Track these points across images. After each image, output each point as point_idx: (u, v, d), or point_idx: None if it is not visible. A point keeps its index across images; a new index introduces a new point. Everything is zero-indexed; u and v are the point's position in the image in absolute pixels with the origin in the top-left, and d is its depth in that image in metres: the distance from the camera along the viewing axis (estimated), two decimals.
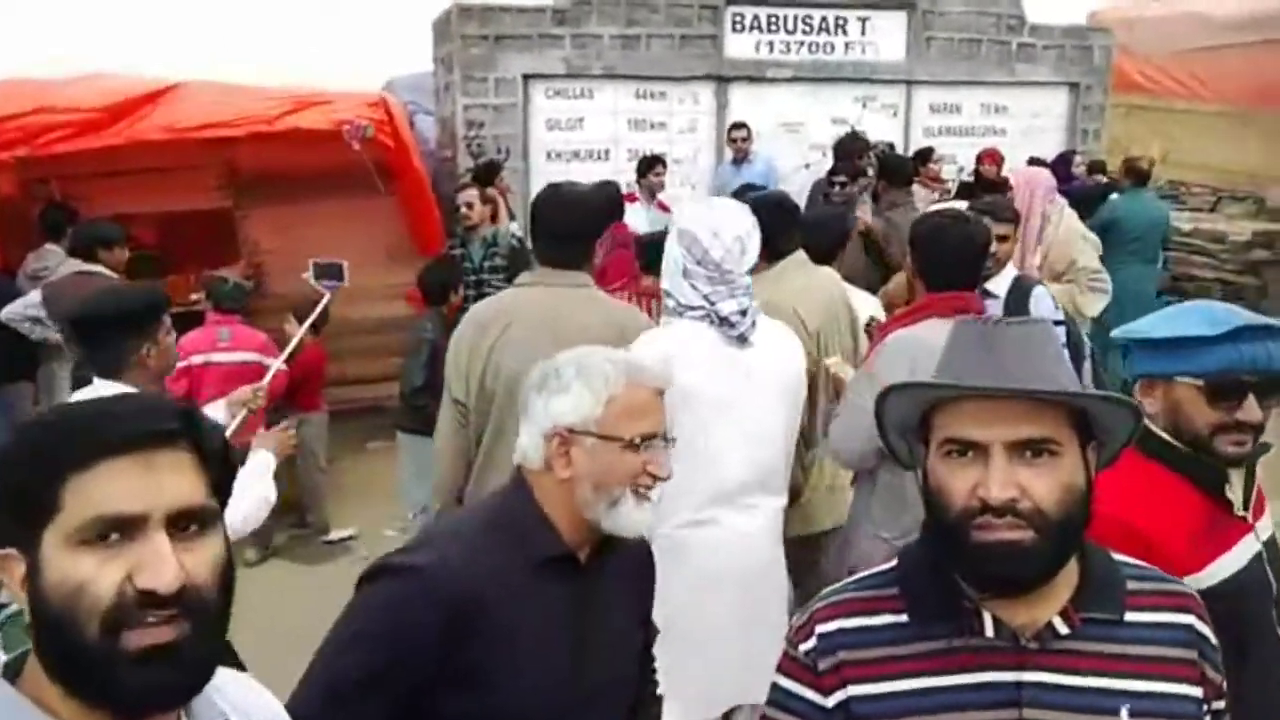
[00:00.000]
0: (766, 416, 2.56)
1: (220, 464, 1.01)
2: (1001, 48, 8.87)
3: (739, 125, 7.79)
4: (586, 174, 7.15)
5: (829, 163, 7.46)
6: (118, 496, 0.91)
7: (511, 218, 6.74)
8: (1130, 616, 1.23)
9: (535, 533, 1.58)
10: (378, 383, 6.88)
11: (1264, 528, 1.80)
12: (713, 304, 2.48)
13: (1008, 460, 1.15)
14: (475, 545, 1.56)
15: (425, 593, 1.48)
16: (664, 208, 7.17)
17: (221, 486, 1.01)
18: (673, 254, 2.55)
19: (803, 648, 1.30)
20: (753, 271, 2.61)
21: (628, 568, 1.72)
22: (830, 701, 1.27)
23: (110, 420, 0.94)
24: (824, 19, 8.33)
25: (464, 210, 5.69)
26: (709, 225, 2.51)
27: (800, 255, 3.44)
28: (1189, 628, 1.24)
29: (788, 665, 1.33)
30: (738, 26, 8.15)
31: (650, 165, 7.21)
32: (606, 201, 2.91)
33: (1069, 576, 1.23)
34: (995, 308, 3.61)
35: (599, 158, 7.83)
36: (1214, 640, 1.26)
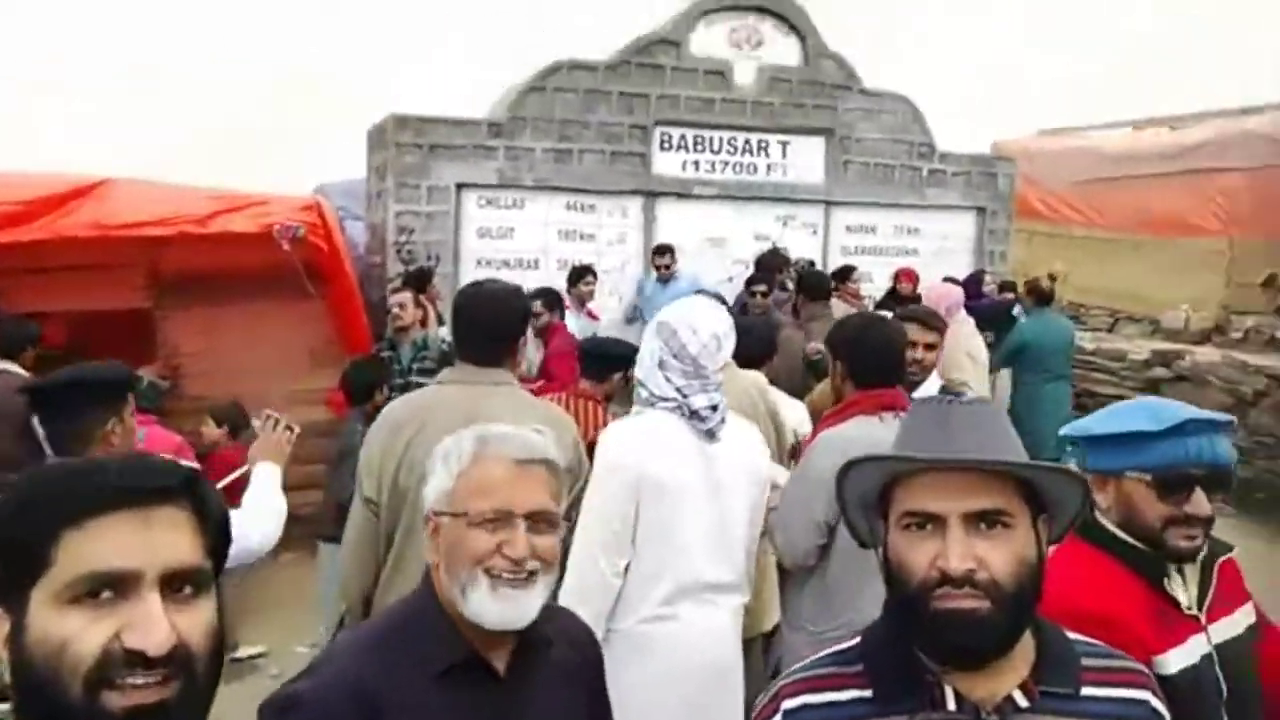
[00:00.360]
0: (733, 510, 2.59)
1: (219, 529, 0.99)
2: (913, 173, 9.37)
3: (662, 250, 7.95)
4: (517, 281, 7.23)
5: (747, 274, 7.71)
6: (112, 552, 0.89)
7: (441, 323, 6.76)
8: (1087, 691, 1.26)
9: (436, 637, 1.43)
10: (293, 490, 6.69)
11: (1226, 627, 1.80)
12: (685, 397, 2.53)
13: (964, 532, 1.19)
14: (370, 659, 1.43)
15: (336, 702, 1.37)
16: (593, 316, 7.29)
17: (219, 552, 0.98)
18: (650, 346, 2.60)
19: None
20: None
21: (561, 676, 1.54)
22: None
23: (108, 474, 0.92)
24: (747, 141, 8.73)
25: (396, 311, 5.69)
26: (688, 321, 2.58)
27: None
28: (1145, 703, 1.29)
29: None
30: (665, 145, 8.47)
31: (580, 275, 7.35)
32: (526, 303, 2.93)
33: (1026, 651, 1.26)
34: None
35: (529, 266, 7.94)
36: (1168, 715, 1.30)
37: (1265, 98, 11.93)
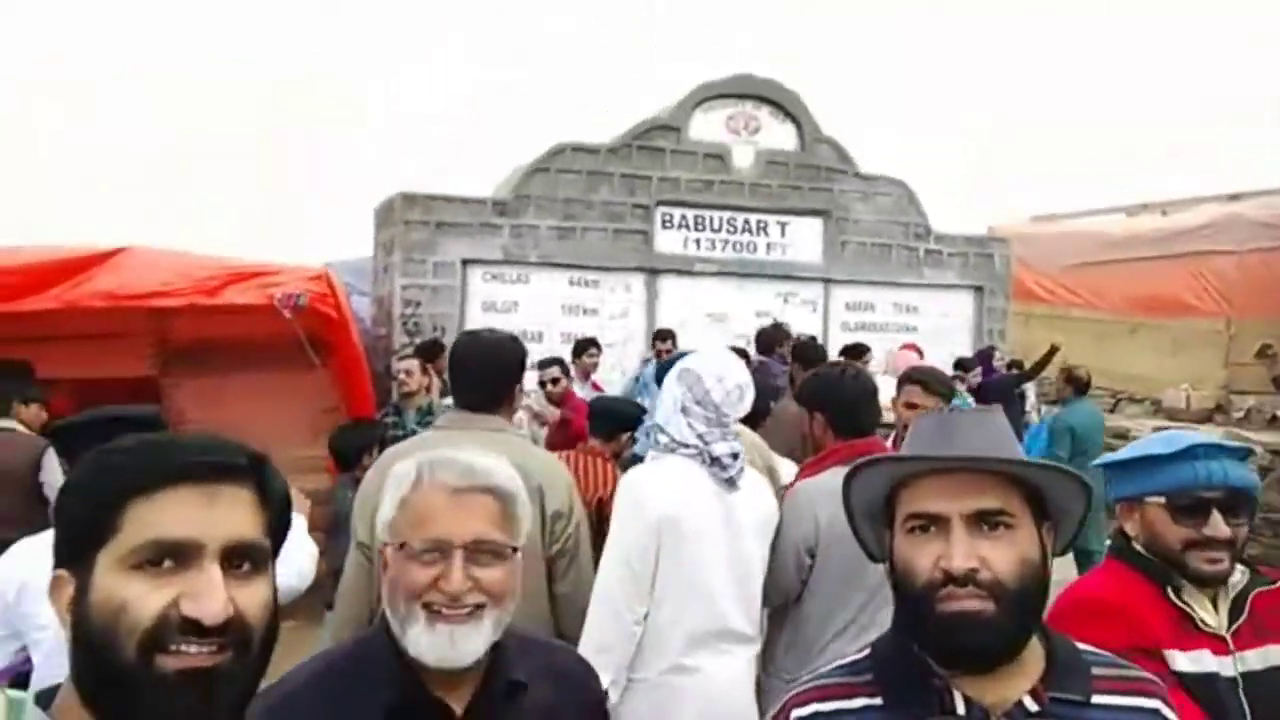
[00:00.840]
0: (751, 559, 2.60)
1: (280, 511, 1.02)
2: (910, 253, 9.55)
3: (663, 335, 7.96)
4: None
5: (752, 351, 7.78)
6: (177, 523, 0.92)
7: (445, 394, 6.81)
8: (1097, 699, 1.26)
9: (385, 674, 1.34)
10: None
11: (1258, 658, 1.81)
12: (707, 444, 2.55)
13: (967, 532, 1.21)
14: (317, 693, 1.36)
15: None
16: (598, 388, 7.34)
17: (278, 534, 1.02)
18: (672, 392, 2.62)
19: None
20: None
21: (539, 717, 1.41)
22: None
23: (178, 450, 0.96)
24: (746, 221, 8.93)
25: (403, 377, 5.75)
26: (714, 370, 2.61)
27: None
28: (1155, 712, 1.28)
29: None
30: (667, 224, 8.67)
31: (584, 347, 7.43)
32: (522, 350, 2.96)
33: (1035, 657, 1.27)
34: None
35: (533, 339, 8.03)
36: None
37: (1252, 185, 12.22)
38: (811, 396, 3.01)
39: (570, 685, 1.51)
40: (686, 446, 2.56)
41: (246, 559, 0.96)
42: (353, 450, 4.72)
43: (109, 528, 0.92)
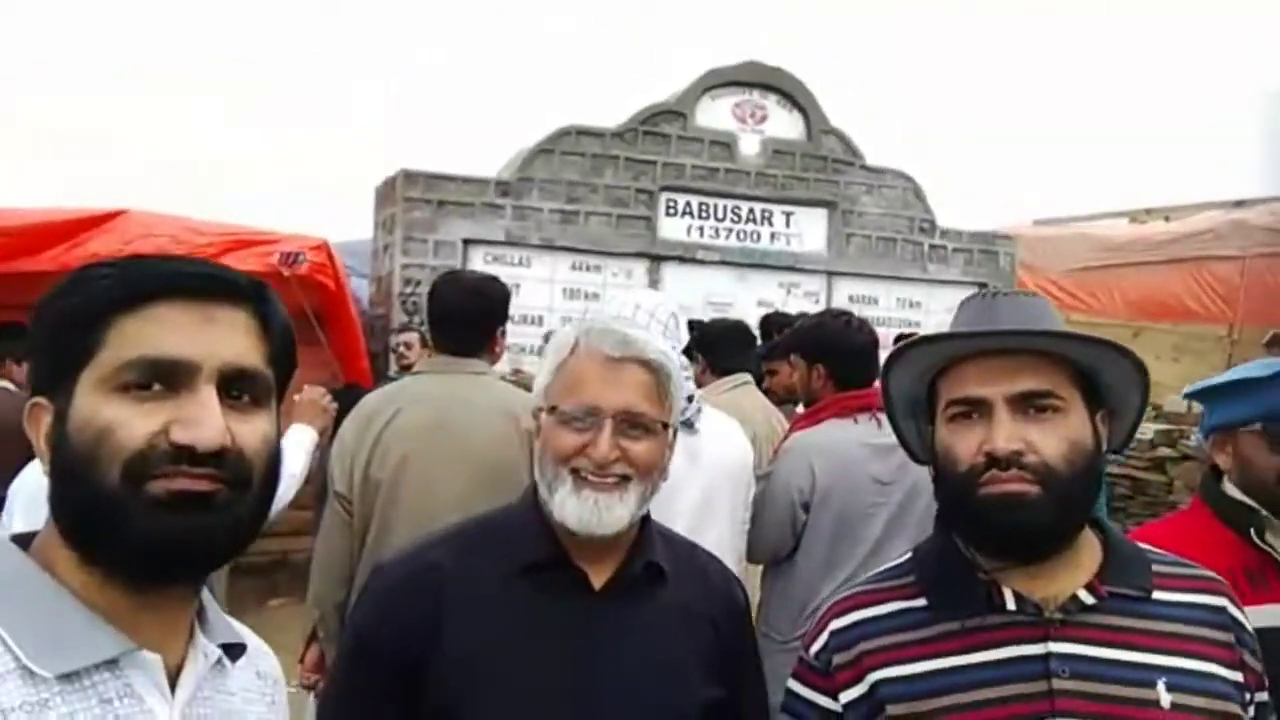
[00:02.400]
0: (712, 503, 2.52)
1: (283, 343, 0.91)
2: (915, 248, 9.48)
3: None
4: (520, 336, 7.26)
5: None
6: (167, 338, 0.82)
7: None
8: (1159, 595, 1.19)
9: (525, 534, 1.37)
10: (284, 536, 6.57)
11: None
12: None
13: (1011, 415, 1.14)
14: (452, 549, 1.39)
15: (404, 579, 1.37)
16: None
17: (282, 373, 0.91)
18: None
19: (813, 649, 1.28)
20: (700, 384, 2.64)
21: (680, 609, 1.39)
22: (843, 699, 1.22)
23: (170, 262, 0.87)
24: (751, 210, 8.84)
25: (402, 350, 5.69)
26: (653, 301, 2.57)
27: (746, 376, 3.56)
28: (1222, 610, 1.21)
29: (798, 669, 1.30)
30: (670, 210, 8.58)
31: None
32: (504, 291, 2.86)
33: (1091, 551, 1.21)
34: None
35: (533, 323, 7.94)
36: (1250, 627, 1.22)
37: (1254, 193, 12.21)
38: (814, 346, 2.93)
39: (710, 585, 1.48)
40: None
41: (246, 390, 0.86)
42: (345, 414, 4.62)
43: (91, 346, 0.82)
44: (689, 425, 2.48)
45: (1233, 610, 1.21)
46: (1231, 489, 1.80)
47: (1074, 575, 1.18)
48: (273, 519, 2.58)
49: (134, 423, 0.80)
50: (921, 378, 1.27)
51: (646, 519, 1.41)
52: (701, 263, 8.64)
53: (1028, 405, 1.15)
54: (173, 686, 0.86)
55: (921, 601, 1.22)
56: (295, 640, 4.80)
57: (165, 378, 0.82)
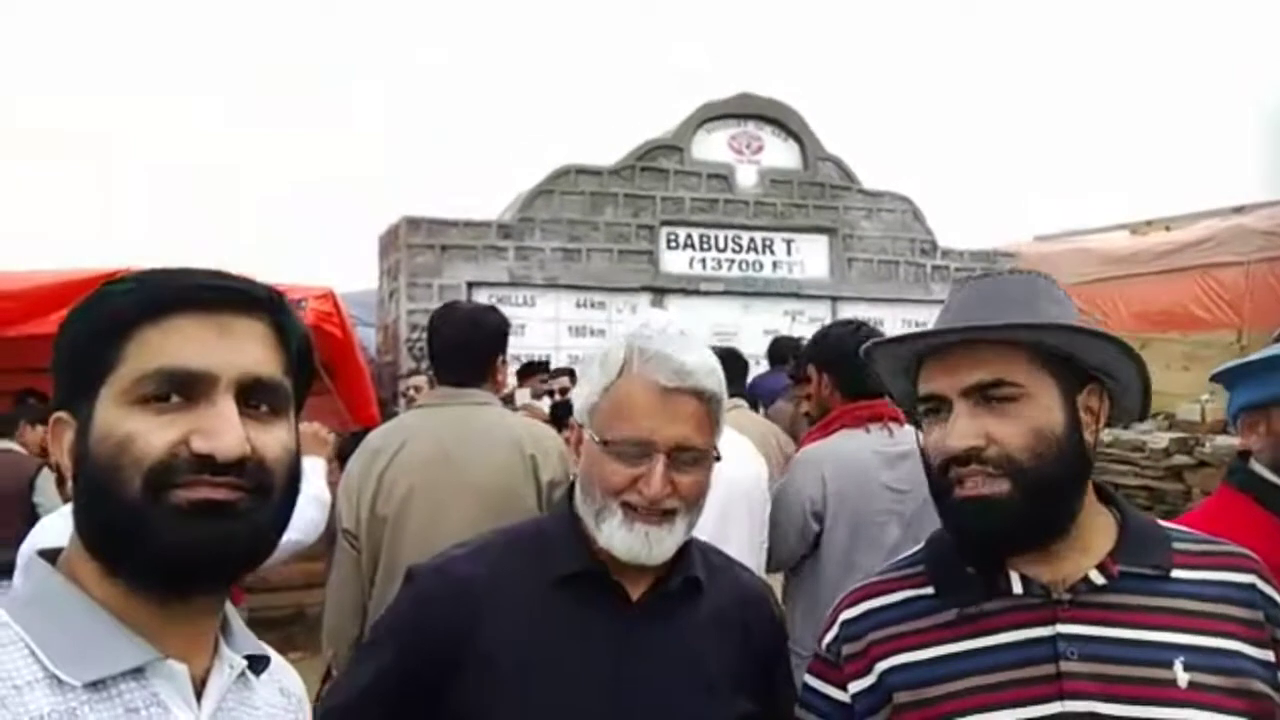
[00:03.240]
0: (727, 519, 2.50)
1: (301, 353, 0.92)
2: (917, 269, 9.51)
3: None
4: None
5: (761, 369, 7.72)
6: (186, 350, 0.83)
7: None
8: (1179, 573, 1.15)
9: (560, 545, 1.34)
10: (300, 590, 6.54)
11: None
12: None
13: (971, 409, 1.11)
14: (489, 558, 1.37)
15: (437, 584, 1.34)
16: None
17: (299, 383, 0.92)
18: None
19: (824, 642, 1.27)
20: None
21: (714, 621, 1.36)
22: (852, 690, 1.21)
23: (187, 275, 0.87)
24: (752, 239, 8.90)
25: (411, 393, 5.71)
26: (663, 320, 2.57)
27: (740, 400, 3.62)
28: (1250, 587, 1.15)
29: (812, 662, 1.29)
30: (672, 244, 8.63)
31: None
32: (503, 320, 2.84)
33: (1104, 531, 1.18)
34: None
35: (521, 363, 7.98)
36: None
37: (1253, 197, 12.21)
38: (820, 355, 2.90)
39: (744, 591, 1.46)
40: None
41: (265, 400, 0.86)
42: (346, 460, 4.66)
43: (111, 360, 0.82)
44: None
45: (1263, 587, 1.16)
46: (1262, 469, 1.74)
47: (1085, 556, 1.14)
48: (299, 547, 2.56)
49: (154, 434, 0.81)
50: (904, 378, 1.24)
51: None
52: (705, 294, 8.68)
53: (984, 397, 1.12)
54: (198, 697, 0.86)
55: (929, 590, 1.21)
56: (311, 693, 4.82)
57: (184, 389, 0.82)
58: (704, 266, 8.73)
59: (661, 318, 2.77)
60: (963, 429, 1.10)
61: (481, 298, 7.92)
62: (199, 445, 0.81)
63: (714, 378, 1.31)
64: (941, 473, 1.13)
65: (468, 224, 7.99)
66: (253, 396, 0.85)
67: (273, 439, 0.86)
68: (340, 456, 4.73)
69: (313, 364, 0.94)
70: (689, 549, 1.38)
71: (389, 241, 8.31)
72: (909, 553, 1.30)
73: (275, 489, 0.86)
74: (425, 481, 2.53)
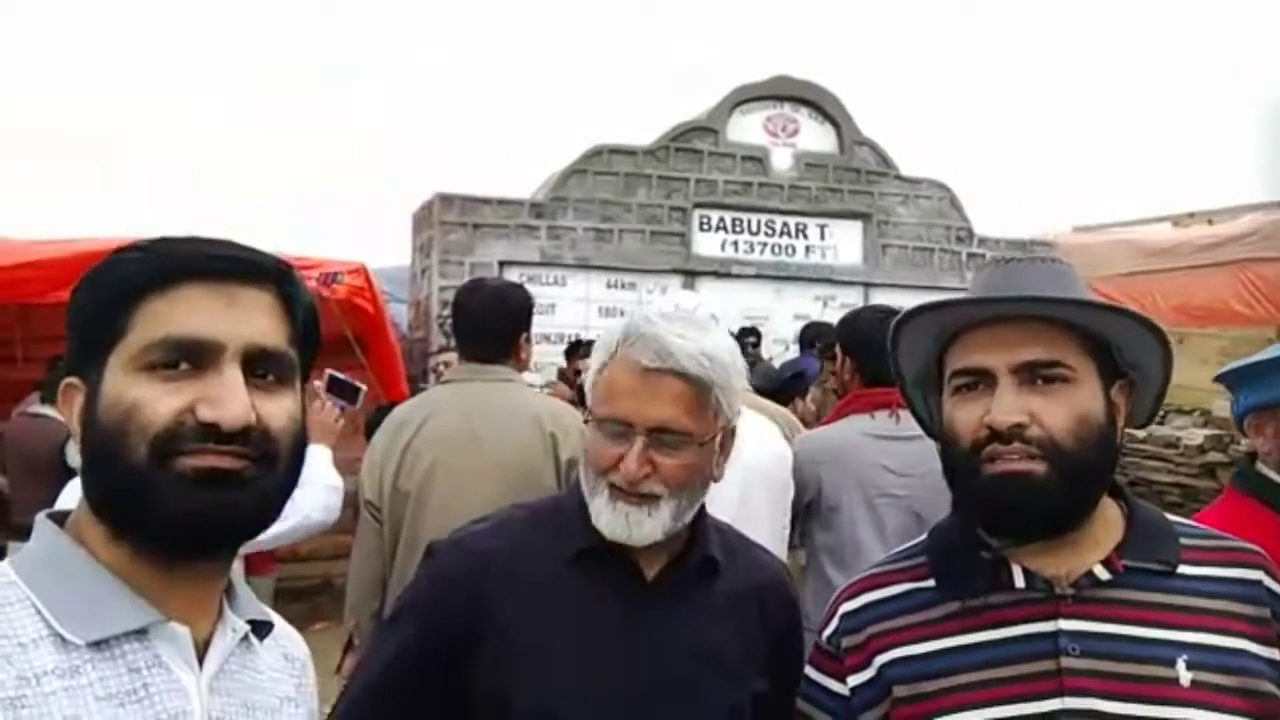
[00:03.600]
0: (749, 501, 2.49)
1: (306, 323, 0.92)
2: (953, 256, 9.40)
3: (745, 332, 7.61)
4: (556, 356, 7.31)
5: (791, 355, 7.68)
6: (192, 319, 0.84)
7: None
8: (1186, 569, 1.12)
9: (575, 522, 1.34)
10: (327, 560, 6.62)
11: None
12: None
13: (1017, 386, 1.09)
14: (507, 534, 1.39)
15: (457, 560, 1.35)
16: None
17: (305, 354, 0.92)
18: None
19: (825, 634, 1.26)
20: None
21: (731, 604, 1.37)
22: (851, 683, 1.20)
23: (194, 245, 0.88)
24: (785, 224, 8.83)
25: (441, 369, 5.72)
26: (692, 301, 2.61)
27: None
28: (1257, 583, 1.13)
29: (813, 655, 1.29)
30: (704, 226, 8.60)
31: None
32: (527, 297, 2.85)
33: (1111, 525, 1.15)
34: None
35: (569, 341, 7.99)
36: None
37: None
38: (846, 337, 2.90)
39: (760, 569, 1.44)
40: None
41: (271, 369, 0.87)
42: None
43: (120, 327, 0.83)
44: None
45: (1270, 584, 1.13)
46: (1269, 471, 1.71)
47: (1090, 550, 1.12)
48: (320, 529, 2.59)
49: (160, 401, 0.82)
50: (929, 349, 1.22)
51: (701, 512, 1.38)
52: (736, 277, 8.64)
53: (1034, 375, 1.09)
54: (201, 660, 0.87)
55: (931, 582, 1.19)
56: (334, 664, 4.86)
57: (191, 357, 0.83)
58: (736, 249, 8.68)
59: (691, 299, 2.75)
60: (1009, 404, 1.08)
61: (513, 276, 7.93)
62: (205, 413, 0.81)
63: (702, 361, 1.28)
64: (973, 449, 1.10)
65: (500, 202, 7.99)
66: (259, 366, 0.86)
67: (278, 408, 0.87)
68: (366, 431, 4.79)
69: (319, 335, 0.95)
70: (705, 529, 1.37)
71: (422, 218, 8.34)
72: (911, 543, 1.28)
73: (280, 458, 0.86)
74: (448, 457, 2.55)
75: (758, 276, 8.71)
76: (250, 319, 0.86)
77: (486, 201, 7.93)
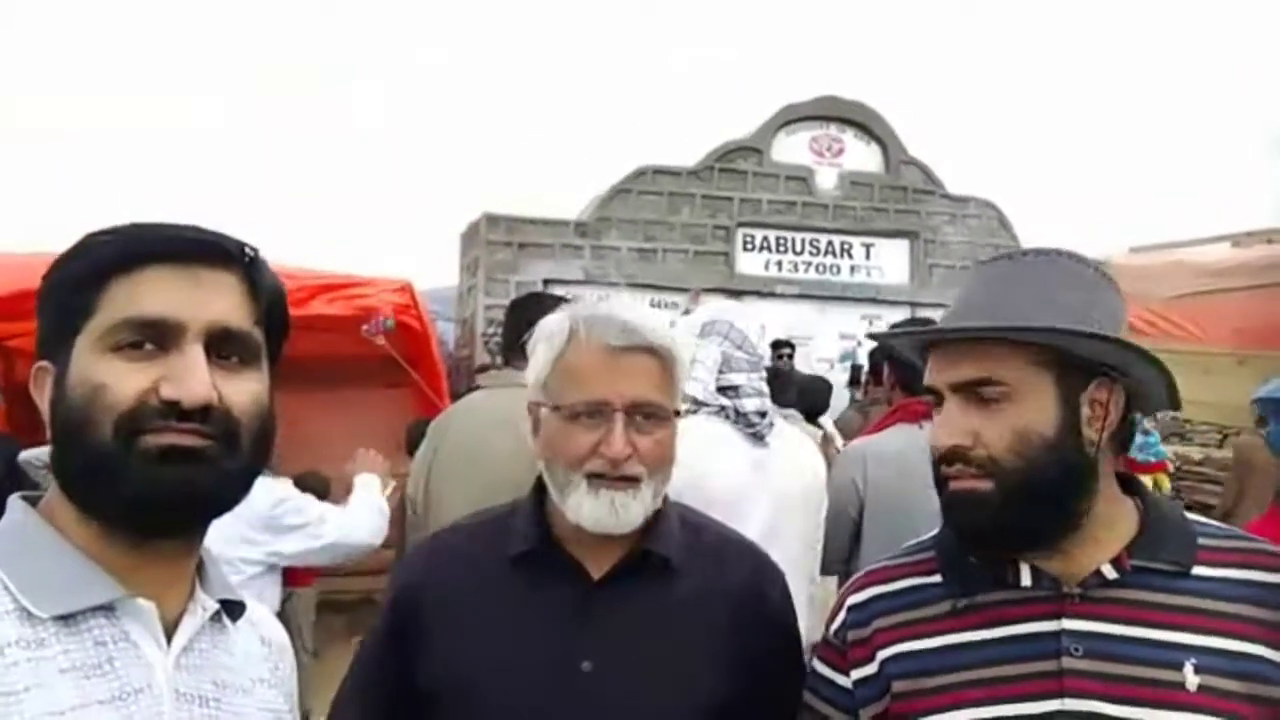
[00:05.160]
0: (781, 517, 2.47)
1: (273, 306, 0.94)
2: None
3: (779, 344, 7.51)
4: None
5: (835, 374, 7.63)
6: (156, 300, 0.86)
7: None
8: (1201, 570, 1.09)
9: (520, 524, 1.34)
10: (369, 575, 6.68)
11: None
12: (739, 398, 2.46)
13: (962, 404, 1.10)
14: (469, 534, 1.41)
15: (413, 563, 1.40)
16: None
17: (273, 335, 0.94)
18: (705, 351, 2.56)
19: (832, 628, 1.26)
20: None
21: (695, 598, 1.32)
22: (854, 676, 1.20)
23: (158, 229, 0.90)
24: (830, 243, 8.80)
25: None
26: (739, 313, 2.57)
27: (793, 412, 3.67)
28: (1275, 587, 1.08)
29: (820, 648, 1.28)
30: (748, 245, 8.60)
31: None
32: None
33: (1123, 524, 1.13)
34: None
35: None
36: None
37: None
38: (887, 350, 2.95)
39: (729, 575, 1.37)
40: (709, 405, 2.47)
41: (235, 350, 0.89)
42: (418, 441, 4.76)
43: (86, 310, 0.86)
44: (759, 439, 2.47)
45: None
46: None
47: (1100, 549, 1.10)
48: (366, 550, 2.67)
49: (125, 380, 0.84)
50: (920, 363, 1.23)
51: (661, 508, 1.35)
52: (781, 296, 8.61)
53: (973, 394, 1.09)
54: (170, 638, 0.89)
55: (937, 578, 1.18)
56: None
57: (155, 337, 0.85)
58: (780, 269, 8.67)
59: (732, 307, 2.75)
60: (948, 426, 1.10)
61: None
62: (166, 392, 0.83)
63: (663, 334, 1.29)
64: (936, 466, 1.13)
65: (545, 222, 8.08)
66: (223, 347, 0.88)
67: (241, 388, 0.88)
68: (409, 446, 4.85)
69: (286, 320, 0.96)
70: (661, 523, 1.34)
71: (470, 237, 8.46)
72: (921, 538, 1.27)
73: (242, 437, 0.88)
74: (470, 461, 2.59)
75: (801, 296, 8.68)
76: (213, 300, 0.88)
77: (532, 221, 8.03)
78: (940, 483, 1.12)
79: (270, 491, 3.06)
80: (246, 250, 0.92)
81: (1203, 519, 1.19)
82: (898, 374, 2.85)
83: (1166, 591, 1.08)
